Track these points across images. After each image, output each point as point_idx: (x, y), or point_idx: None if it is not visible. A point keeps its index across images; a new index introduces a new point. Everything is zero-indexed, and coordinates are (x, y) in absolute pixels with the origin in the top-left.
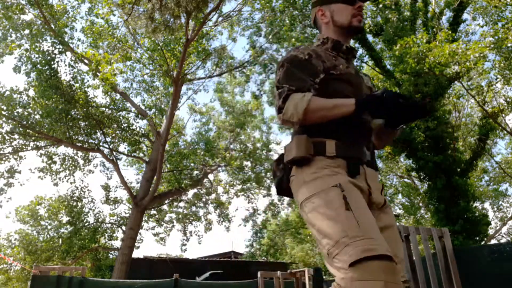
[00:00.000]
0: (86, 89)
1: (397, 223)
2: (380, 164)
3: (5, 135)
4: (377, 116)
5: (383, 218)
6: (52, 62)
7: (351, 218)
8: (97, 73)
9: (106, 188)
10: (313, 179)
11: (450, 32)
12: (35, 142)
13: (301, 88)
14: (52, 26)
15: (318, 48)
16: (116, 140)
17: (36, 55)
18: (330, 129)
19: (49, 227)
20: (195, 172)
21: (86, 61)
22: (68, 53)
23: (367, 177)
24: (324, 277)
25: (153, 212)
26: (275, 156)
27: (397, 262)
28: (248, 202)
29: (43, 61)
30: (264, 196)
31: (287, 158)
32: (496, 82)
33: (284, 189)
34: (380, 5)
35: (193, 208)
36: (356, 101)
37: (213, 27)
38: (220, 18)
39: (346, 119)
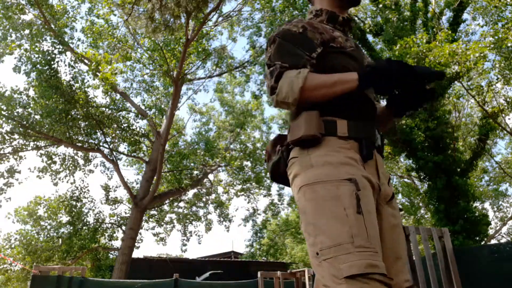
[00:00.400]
0: (86, 89)
1: None
2: None
3: (5, 135)
4: (382, 93)
5: (391, 216)
6: (52, 62)
7: (361, 224)
8: (97, 73)
9: (106, 188)
10: (322, 164)
11: (450, 32)
12: (35, 142)
13: (296, 65)
14: (52, 26)
15: (313, 21)
16: (116, 140)
17: (36, 55)
18: (340, 107)
19: (48, 227)
20: (195, 172)
21: (86, 61)
22: (68, 53)
23: (378, 165)
24: None
25: (153, 212)
26: None
27: (402, 264)
28: (248, 202)
29: (43, 61)
30: (264, 196)
31: (294, 137)
32: (496, 82)
33: (279, 175)
34: (380, 5)
35: (193, 208)
36: (359, 75)
37: (213, 27)
38: (220, 18)
39: (355, 96)
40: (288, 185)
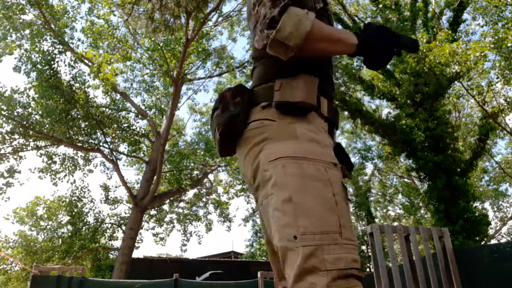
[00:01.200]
0: (86, 89)
1: (397, 223)
2: (380, 164)
3: (5, 135)
4: (369, 64)
5: None
6: (53, 62)
7: (348, 215)
8: (98, 74)
9: (106, 188)
10: (310, 140)
11: (450, 32)
12: (35, 142)
13: (303, 3)
14: (52, 26)
15: None
16: (116, 140)
17: (36, 55)
18: (325, 82)
19: (48, 227)
20: (195, 172)
21: (86, 61)
22: (68, 53)
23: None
24: None
25: (153, 212)
26: None
27: None
28: (248, 203)
29: (43, 61)
30: None
31: (286, 98)
32: (496, 82)
33: (233, 136)
34: (380, 5)
35: (193, 208)
36: (359, 42)
37: (213, 27)
38: (220, 18)
39: (328, 72)
40: (233, 151)
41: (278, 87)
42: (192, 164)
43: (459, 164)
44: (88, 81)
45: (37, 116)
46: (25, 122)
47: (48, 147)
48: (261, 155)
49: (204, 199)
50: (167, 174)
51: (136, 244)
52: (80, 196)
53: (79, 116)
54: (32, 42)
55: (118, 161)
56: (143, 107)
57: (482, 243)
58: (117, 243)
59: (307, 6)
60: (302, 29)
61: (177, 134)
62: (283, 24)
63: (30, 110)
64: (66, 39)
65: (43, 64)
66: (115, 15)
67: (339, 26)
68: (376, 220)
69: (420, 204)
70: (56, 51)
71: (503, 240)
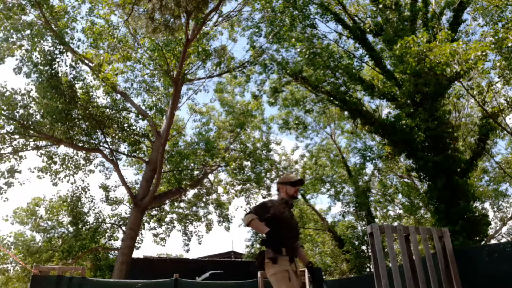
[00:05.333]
0: (87, 89)
1: (397, 223)
2: (380, 164)
3: (5, 135)
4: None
5: (300, 280)
6: (53, 62)
7: (293, 284)
8: (99, 74)
9: (105, 188)
10: (278, 266)
11: (450, 32)
12: (35, 142)
13: (255, 214)
14: (53, 26)
15: (279, 201)
16: (116, 140)
17: (38, 55)
18: (284, 242)
19: (48, 227)
20: (195, 172)
21: (86, 61)
22: (69, 54)
23: (295, 264)
24: (324, 277)
25: (153, 212)
26: (275, 156)
27: None
28: (247, 204)
29: (44, 62)
30: (264, 197)
31: (267, 256)
32: (497, 82)
33: (261, 266)
34: (380, 5)
35: (194, 208)
36: (269, 230)
37: (213, 27)
38: (220, 18)
39: (289, 238)
40: (263, 269)
41: (264, 252)
42: (192, 164)
43: (459, 164)
44: (90, 81)
45: (37, 116)
46: (25, 122)
47: (48, 147)
48: (267, 271)
49: (204, 199)
50: (167, 174)
51: (136, 244)
52: (80, 196)
53: (79, 116)
54: (32, 43)
55: (118, 161)
56: (143, 107)
57: (482, 243)
58: (117, 243)
59: (257, 214)
60: (246, 220)
61: (177, 134)
62: (246, 217)
63: (30, 110)
64: (66, 39)
65: (44, 64)
66: (115, 15)
67: (339, 27)
68: (376, 220)
69: (420, 204)
70: (57, 51)
71: (503, 240)
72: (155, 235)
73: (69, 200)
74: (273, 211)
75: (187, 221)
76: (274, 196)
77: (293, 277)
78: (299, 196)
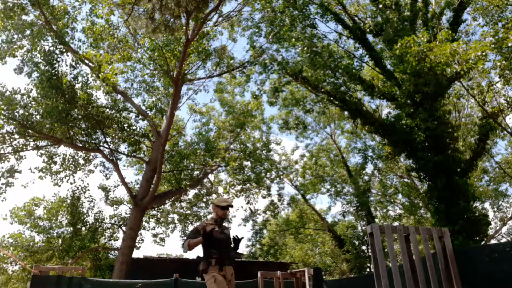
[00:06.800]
0: (88, 89)
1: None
2: (380, 164)
3: (5, 135)
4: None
5: (230, 284)
6: (54, 62)
7: (214, 284)
8: (99, 74)
9: (104, 188)
10: (208, 275)
11: (450, 32)
12: (35, 142)
13: (188, 238)
14: (53, 26)
15: (210, 221)
16: (116, 140)
17: (38, 55)
18: (212, 255)
19: (48, 227)
20: (195, 172)
21: (87, 61)
22: (69, 53)
23: (226, 271)
24: (324, 277)
25: (154, 212)
26: (275, 156)
27: None
28: (247, 203)
29: (44, 62)
30: (264, 197)
31: (201, 268)
32: (497, 82)
33: (201, 276)
34: (380, 5)
35: (194, 209)
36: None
37: (213, 27)
38: (220, 18)
39: (219, 250)
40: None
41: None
42: (192, 164)
43: (459, 164)
44: (91, 82)
45: (37, 116)
46: (25, 122)
47: (48, 147)
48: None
49: (204, 199)
50: (167, 174)
51: (136, 244)
52: (79, 196)
53: (79, 116)
54: (33, 43)
55: (118, 161)
56: (143, 107)
57: (482, 243)
58: (117, 243)
59: (190, 237)
60: (185, 246)
61: (177, 134)
62: (184, 243)
63: (30, 110)
64: (67, 39)
65: (44, 64)
66: (115, 15)
67: (339, 27)
68: (376, 220)
69: (420, 204)
70: (57, 51)
71: (503, 240)
72: (155, 235)
73: (68, 200)
74: (205, 230)
75: (188, 221)
76: (211, 214)
77: (218, 278)
78: (299, 196)
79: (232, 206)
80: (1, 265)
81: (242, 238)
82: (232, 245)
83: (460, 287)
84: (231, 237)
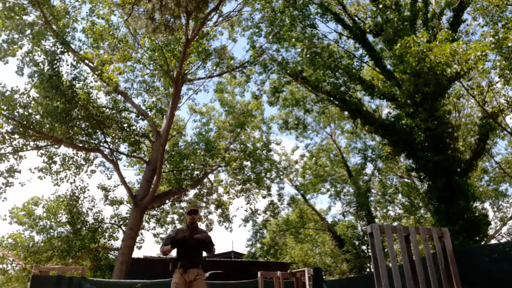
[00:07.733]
0: (88, 89)
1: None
2: (380, 164)
3: (5, 135)
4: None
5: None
6: (55, 62)
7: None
8: (101, 75)
9: (104, 188)
10: (174, 276)
11: (450, 32)
12: (35, 142)
13: (164, 244)
14: (54, 26)
15: (183, 227)
16: (117, 140)
17: (39, 55)
18: (179, 259)
19: (47, 227)
20: (196, 172)
21: (87, 61)
22: (70, 53)
23: (190, 273)
24: (324, 277)
25: (154, 212)
26: (275, 156)
27: None
28: (247, 203)
29: (45, 62)
30: (264, 197)
31: (170, 269)
32: (497, 82)
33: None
34: (380, 5)
35: None
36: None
37: (213, 27)
38: (220, 18)
39: (186, 254)
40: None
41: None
42: (192, 164)
43: (459, 164)
44: (91, 82)
45: (37, 116)
46: (25, 122)
47: (48, 147)
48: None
49: (204, 199)
50: (167, 174)
51: (137, 244)
52: (79, 196)
53: (79, 116)
54: (33, 43)
55: (118, 161)
56: (143, 108)
57: (482, 243)
58: (117, 243)
59: (166, 243)
60: (160, 250)
61: (177, 134)
62: (161, 248)
63: (30, 110)
64: (67, 39)
65: (44, 64)
66: (115, 15)
67: (339, 27)
68: (376, 220)
69: (420, 204)
70: (57, 51)
71: (503, 240)
72: (155, 235)
73: (67, 200)
74: (175, 237)
75: None
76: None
77: (179, 280)
78: (299, 196)
79: (196, 212)
80: (1, 265)
81: (210, 242)
82: (202, 248)
83: (460, 287)
84: (205, 239)
